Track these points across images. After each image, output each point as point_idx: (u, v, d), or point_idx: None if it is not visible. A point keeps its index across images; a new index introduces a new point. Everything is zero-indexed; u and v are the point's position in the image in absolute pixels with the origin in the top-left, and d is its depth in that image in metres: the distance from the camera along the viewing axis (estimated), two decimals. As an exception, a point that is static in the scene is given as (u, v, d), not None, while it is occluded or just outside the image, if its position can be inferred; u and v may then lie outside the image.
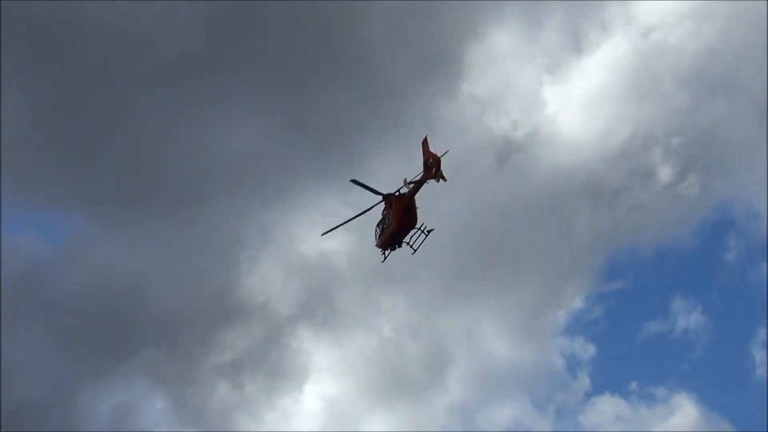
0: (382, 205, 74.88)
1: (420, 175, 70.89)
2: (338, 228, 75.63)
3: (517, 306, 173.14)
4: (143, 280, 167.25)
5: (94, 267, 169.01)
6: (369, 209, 73.96)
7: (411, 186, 72.07)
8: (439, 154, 69.76)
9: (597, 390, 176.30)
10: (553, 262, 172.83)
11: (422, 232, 74.79)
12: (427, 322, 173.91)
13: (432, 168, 69.99)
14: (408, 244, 75.91)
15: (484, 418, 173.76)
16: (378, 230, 77.08)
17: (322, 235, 77.40)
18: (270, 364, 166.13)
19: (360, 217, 75.04)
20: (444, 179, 69.38)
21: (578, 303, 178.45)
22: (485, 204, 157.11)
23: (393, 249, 76.74)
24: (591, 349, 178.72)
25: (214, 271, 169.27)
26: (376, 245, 77.59)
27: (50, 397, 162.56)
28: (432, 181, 70.74)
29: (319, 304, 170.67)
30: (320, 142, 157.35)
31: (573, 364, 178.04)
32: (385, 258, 76.88)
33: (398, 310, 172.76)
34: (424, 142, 71.01)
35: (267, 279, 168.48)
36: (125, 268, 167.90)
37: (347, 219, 74.40)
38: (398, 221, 73.89)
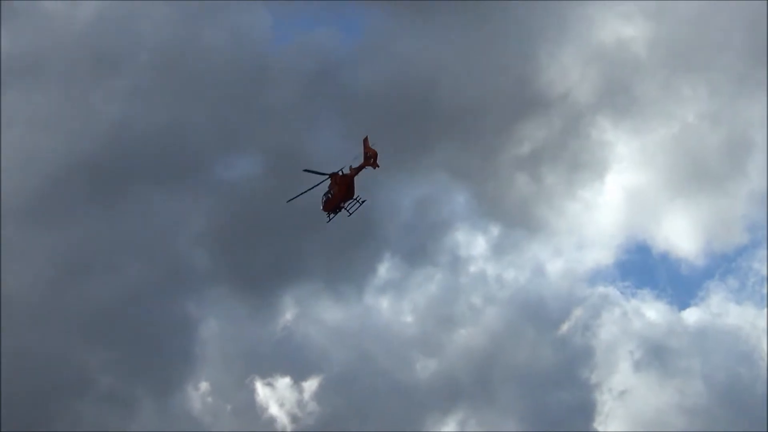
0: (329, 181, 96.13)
1: (362, 163, 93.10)
2: (303, 195, 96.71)
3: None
4: (441, 73, 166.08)
5: (392, 61, 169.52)
6: (320, 183, 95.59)
7: (352, 169, 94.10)
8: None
9: None
10: None
11: (358, 201, 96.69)
12: (729, 109, 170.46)
13: (371, 158, 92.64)
14: (345, 209, 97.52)
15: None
16: (324, 198, 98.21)
17: (288, 201, 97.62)
18: (570, 155, 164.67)
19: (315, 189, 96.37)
20: (378, 166, 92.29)
21: None
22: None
23: (335, 212, 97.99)
24: None
25: (511, 63, 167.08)
26: (322, 209, 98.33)
27: None
28: (368, 168, 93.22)
29: (619, 94, 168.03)
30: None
31: None
32: (330, 219, 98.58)
33: (700, 98, 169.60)
34: (365, 140, 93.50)
35: (565, 69, 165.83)
36: (423, 62, 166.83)
37: (308, 188, 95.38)
38: (341, 193, 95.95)
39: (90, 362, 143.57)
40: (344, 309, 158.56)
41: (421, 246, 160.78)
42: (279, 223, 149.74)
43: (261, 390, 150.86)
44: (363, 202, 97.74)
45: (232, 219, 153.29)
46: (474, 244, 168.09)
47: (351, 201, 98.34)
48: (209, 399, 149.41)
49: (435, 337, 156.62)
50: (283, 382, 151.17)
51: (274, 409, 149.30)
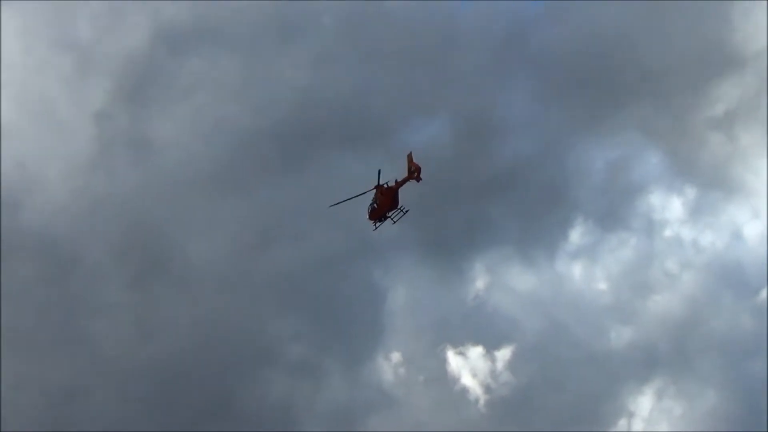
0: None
1: (406, 176, 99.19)
2: (345, 202, 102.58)
3: None
4: (632, 32, 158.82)
5: (582, 20, 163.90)
6: (366, 192, 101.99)
7: (397, 182, 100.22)
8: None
9: None
10: None
11: (402, 211, 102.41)
12: None
13: (414, 172, 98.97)
14: (390, 218, 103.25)
15: None
16: (370, 207, 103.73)
17: (330, 207, 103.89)
18: (765, 114, 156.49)
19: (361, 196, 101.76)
20: (421, 179, 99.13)
21: None
22: None
23: (381, 221, 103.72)
24: None
25: (704, 21, 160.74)
26: (369, 218, 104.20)
27: (543, 153, 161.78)
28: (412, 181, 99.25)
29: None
30: None
31: None
32: (376, 228, 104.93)
33: None
34: (409, 155, 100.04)
35: (760, 26, 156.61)
36: (614, 21, 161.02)
37: (353, 195, 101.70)
38: (386, 204, 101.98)
39: (278, 332, 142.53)
40: (536, 276, 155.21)
41: (613, 210, 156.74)
42: (468, 187, 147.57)
43: (453, 360, 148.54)
44: (406, 211, 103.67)
45: (420, 183, 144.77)
46: (669, 207, 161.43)
47: (396, 211, 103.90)
48: (401, 370, 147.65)
49: (629, 305, 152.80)
50: (476, 352, 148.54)
51: (466, 379, 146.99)
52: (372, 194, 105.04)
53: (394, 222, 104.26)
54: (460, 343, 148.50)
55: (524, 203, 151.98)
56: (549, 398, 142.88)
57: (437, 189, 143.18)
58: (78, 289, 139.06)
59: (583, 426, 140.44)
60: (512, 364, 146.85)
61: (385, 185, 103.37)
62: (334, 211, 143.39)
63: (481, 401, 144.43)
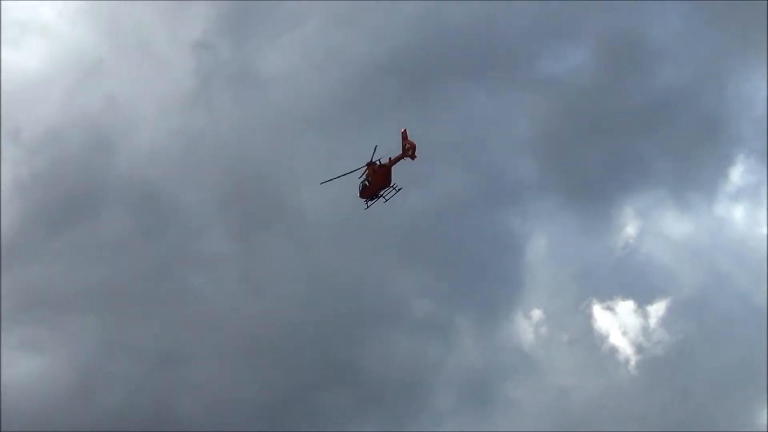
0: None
1: (400, 154, 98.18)
2: (336, 179, 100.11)
3: None
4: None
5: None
6: (356, 169, 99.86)
7: (391, 160, 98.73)
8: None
9: None
10: None
11: (394, 189, 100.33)
12: None
13: (409, 150, 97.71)
14: (383, 196, 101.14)
15: None
16: (361, 186, 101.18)
17: (321, 184, 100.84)
18: None
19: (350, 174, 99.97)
20: (415, 157, 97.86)
21: None
22: None
23: (372, 200, 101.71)
24: None
25: None
26: (360, 196, 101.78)
27: (698, 81, 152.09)
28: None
29: None
30: None
31: None
32: (368, 206, 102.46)
33: None
34: (404, 132, 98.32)
35: None
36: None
37: (343, 173, 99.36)
38: (378, 181, 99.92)
39: (403, 287, 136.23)
40: (692, 221, 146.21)
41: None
42: (615, 121, 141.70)
43: (600, 316, 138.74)
44: (399, 189, 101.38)
45: (561, 119, 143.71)
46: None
47: (388, 189, 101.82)
48: (542, 329, 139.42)
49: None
50: (626, 307, 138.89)
51: (615, 338, 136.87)
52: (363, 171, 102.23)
53: (386, 201, 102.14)
54: (608, 297, 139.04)
55: (678, 139, 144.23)
56: (708, 358, 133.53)
57: (580, 124, 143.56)
58: (177, 241, 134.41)
59: (749, 391, 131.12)
60: (666, 321, 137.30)
61: (378, 162, 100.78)
62: (463, 150, 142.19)
63: (632, 362, 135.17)
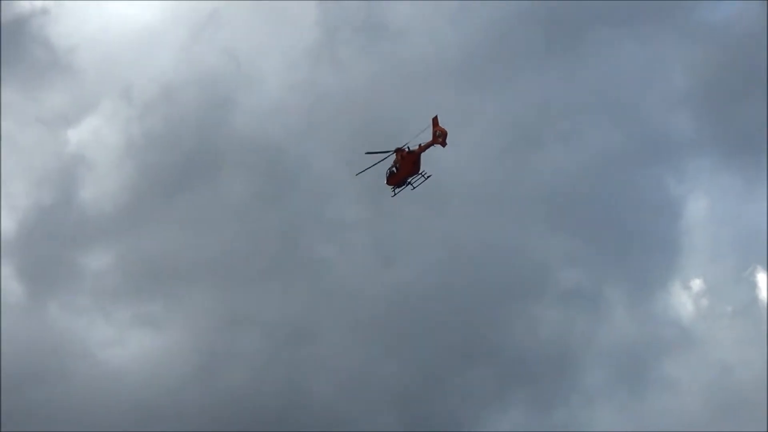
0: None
1: (430, 140, 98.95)
2: (370, 168, 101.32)
3: None
4: None
5: None
6: (386, 157, 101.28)
7: (420, 146, 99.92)
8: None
9: None
10: None
11: (423, 176, 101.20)
12: None
13: (440, 137, 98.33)
14: (410, 183, 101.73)
15: None
16: (389, 173, 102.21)
17: (357, 175, 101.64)
18: None
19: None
20: (446, 145, 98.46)
21: None
22: None
23: (400, 187, 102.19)
24: None
25: None
26: (387, 183, 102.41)
27: None
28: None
29: None
30: None
31: None
32: (395, 194, 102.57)
33: None
34: (435, 119, 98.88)
35: None
36: None
37: (375, 162, 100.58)
38: (406, 169, 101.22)
39: (548, 255, 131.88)
40: None
41: None
42: None
43: (766, 285, 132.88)
44: (428, 177, 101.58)
45: (720, 70, 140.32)
46: None
47: (417, 176, 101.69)
48: (703, 300, 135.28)
49: None
50: None
51: None
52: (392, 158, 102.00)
53: (414, 188, 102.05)
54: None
55: None
56: None
57: (741, 76, 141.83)
58: (303, 206, 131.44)
59: None
60: None
61: (407, 148, 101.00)
62: (612, 105, 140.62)
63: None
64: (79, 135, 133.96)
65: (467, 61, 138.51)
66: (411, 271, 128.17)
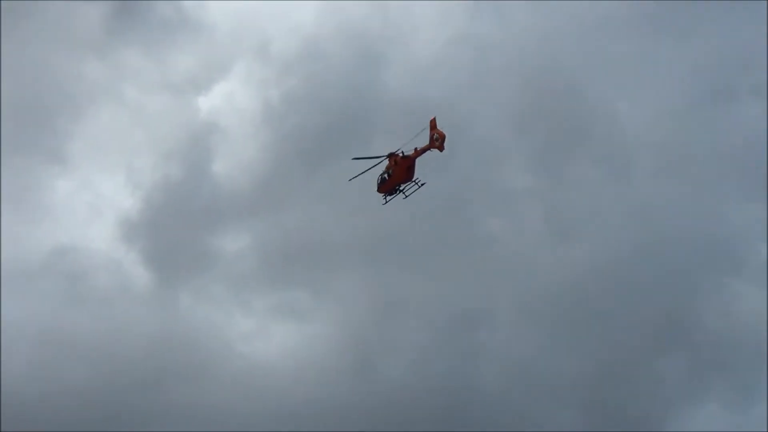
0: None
1: (426, 144, 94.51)
2: (361, 174, 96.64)
3: None
4: None
5: None
6: (379, 163, 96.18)
7: (416, 151, 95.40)
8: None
9: None
10: None
11: (417, 184, 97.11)
12: None
13: (437, 140, 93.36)
14: (402, 191, 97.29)
15: None
16: (380, 179, 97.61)
17: (350, 180, 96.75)
18: None
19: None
20: (443, 149, 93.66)
21: None
22: None
23: (392, 194, 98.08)
24: None
25: None
26: (378, 190, 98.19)
27: None
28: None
29: None
30: None
31: None
32: (386, 202, 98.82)
33: None
34: (433, 121, 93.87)
35: None
36: None
37: (367, 168, 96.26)
38: (400, 175, 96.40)
39: (747, 224, 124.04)
40: None
41: None
42: None
43: None
44: (422, 184, 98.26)
45: None
46: None
47: (409, 183, 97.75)
48: None
49: None
50: None
51: None
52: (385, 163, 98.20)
53: (406, 197, 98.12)
54: None
55: None
56: None
57: None
58: (466, 174, 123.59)
59: None
60: None
61: (401, 153, 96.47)
62: None
63: None
64: (210, 101, 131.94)
65: (643, 6, 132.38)
66: (589, 245, 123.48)
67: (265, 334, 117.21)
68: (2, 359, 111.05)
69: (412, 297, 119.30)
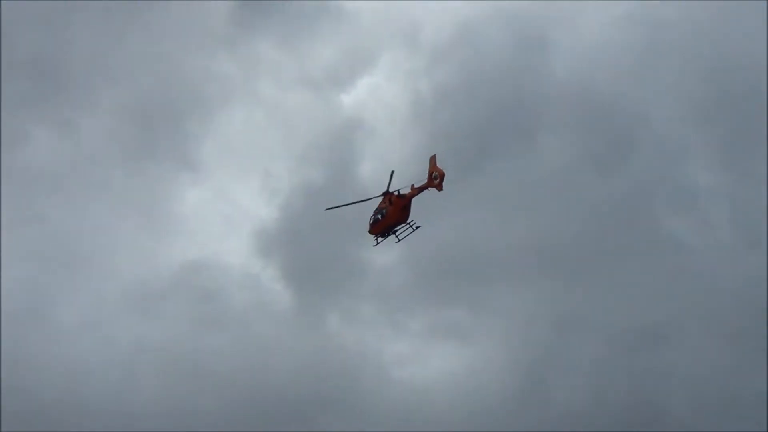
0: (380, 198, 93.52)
1: (424, 183, 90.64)
2: (342, 207, 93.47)
3: None
4: None
5: None
6: (370, 199, 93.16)
7: (414, 189, 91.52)
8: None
9: None
10: None
11: (411, 227, 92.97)
12: None
13: (436, 179, 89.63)
14: (395, 234, 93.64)
15: None
16: (372, 219, 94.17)
17: (326, 210, 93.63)
18: None
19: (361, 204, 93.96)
20: (442, 189, 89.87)
21: None
22: None
23: (384, 237, 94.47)
24: None
25: None
26: (369, 231, 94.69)
27: None
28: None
29: None
30: None
31: None
32: (377, 243, 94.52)
33: None
34: (432, 158, 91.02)
35: None
36: None
37: (351, 202, 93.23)
38: (394, 215, 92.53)
39: None
40: None
41: None
42: None
43: None
44: (417, 227, 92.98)
45: None
46: None
47: (404, 225, 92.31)
48: None
49: None
50: None
51: None
52: (378, 201, 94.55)
53: (399, 240, 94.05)
54: None
55: None
56: None
57: None
58: (643, 172, 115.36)
59: None
60: None
61: (397, 192, 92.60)
62: None
63: None
64: (354, 96, 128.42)
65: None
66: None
67: (421, 357, 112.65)
68: (128, 386, 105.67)
69: (586, 311, 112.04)
